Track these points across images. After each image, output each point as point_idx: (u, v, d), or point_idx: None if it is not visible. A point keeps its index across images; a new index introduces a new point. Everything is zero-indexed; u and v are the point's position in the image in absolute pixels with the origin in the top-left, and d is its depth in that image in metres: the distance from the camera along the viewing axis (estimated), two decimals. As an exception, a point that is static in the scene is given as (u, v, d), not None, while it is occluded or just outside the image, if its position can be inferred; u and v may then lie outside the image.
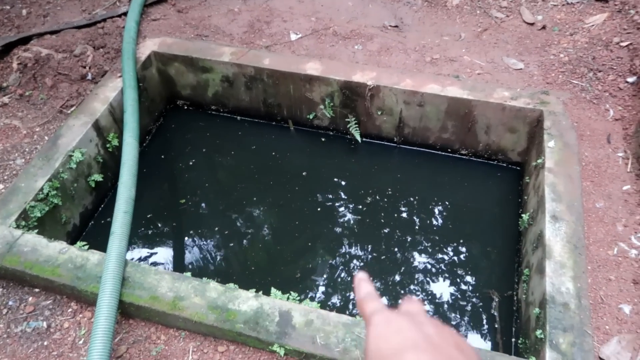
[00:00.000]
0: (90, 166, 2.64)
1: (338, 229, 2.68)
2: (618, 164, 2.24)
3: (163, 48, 3.02)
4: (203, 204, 2.83)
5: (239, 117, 3.22)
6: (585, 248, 1.94)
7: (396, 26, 3.11)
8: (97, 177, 2.65)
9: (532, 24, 2.99)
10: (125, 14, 3.27)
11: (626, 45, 2.67)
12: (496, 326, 2.22)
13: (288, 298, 1.96)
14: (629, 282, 1.84)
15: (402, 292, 2.46)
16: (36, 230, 2.24)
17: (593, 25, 2.85)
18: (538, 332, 1.81)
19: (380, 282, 2.48)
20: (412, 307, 0.55)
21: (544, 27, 2.95)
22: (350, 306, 2.37)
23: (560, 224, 2.01)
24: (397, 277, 2.49)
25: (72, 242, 2.60)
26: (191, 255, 2.60)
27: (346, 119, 2.93)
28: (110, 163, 2.79)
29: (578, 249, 1.94)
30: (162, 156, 3.05)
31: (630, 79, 2.53)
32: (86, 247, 2.23)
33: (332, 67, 2.82)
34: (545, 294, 1.83)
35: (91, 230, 2.70)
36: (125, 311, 1.97)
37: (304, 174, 2.92)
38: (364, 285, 0.60)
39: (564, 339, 1.70)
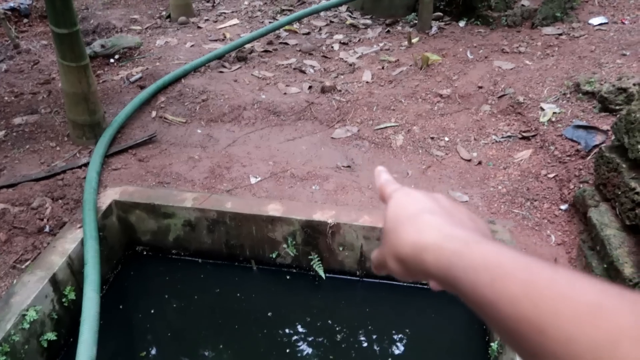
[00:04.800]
0: (44, 324, 2.49)
1: (309, 372, 2.59)
2: (569, 286, 2.39)
3: (124, 196, 3.07)
4: (165, 356, 2.67)
5: (200, 260, 3.21)
6: (557, 374, 1.98)
7: (348, 166, 3.36)
8: (51, 335, 2.49)
9: (469, 160, 3.33)
10: (85, 165, 3.34)
11: (553, 177, 3.01)
12: None
13: None
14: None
15: None
16: (-20, 405, 2.02)
17: (522, 160, 3.22)
18: None
19: None
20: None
21: (480, 163, 3.29)
22: None
23: (529, 352, 2.07)
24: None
25: (17, 414, 2.34)
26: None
27: (309, 257, 2.99)
28: (66, 319, 2.64)
29: (550, 376, 1.98)
30: (121, 306, 2.93)
31: (563, 207, 2.81)
32: (37, 419, 2.02)
33: (293, 208, 2.96)
34: None
35: (39, 397, 2.46)
36: None
37: (269, 314, 2.88)
38: (383, 174, 0.65)
39: None
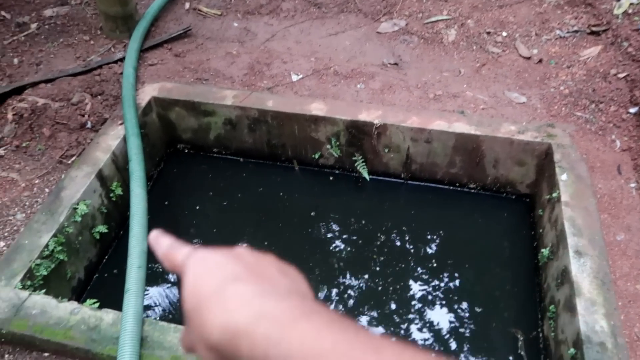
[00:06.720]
0: (95, 218, 2.55)
1: (353, 269, 2.62)
2: (632, 195, 2.26)
3: (163, 93, 2.98)
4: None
5: (241, 159, 3.18)
6: (613, 283, 1.93)
7: (395, 64, 3.14)
8: (102, 228, 2.56)
9: (528, 58, 3.06)
10: (121, 59, 3.22)
11: (624, 77, 2.74)
12: (525, 366, 2.18)
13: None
14: (661, 316, 1.83)
15: (419, 331, 2.41)
16: (43, 290, 2.13)
17: (589, 57, 2.93)
18: (576, 373, 1.77)
19: (394, 322, 2.42)
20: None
21: (540, 61, 3.01)
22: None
23: (585, 259, 2.01)
24: (412, 316, 2.44)
25: (77, 298, 2.49)
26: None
27: (353, 158, 2.91)
28: (114, 213, 2.70)
29: (606, 285, 1.92)
30: (166, 202, 2.98)
31: (632, 110, 2.58)
32: (96, 305, 2.13)
33: (337, 107, 2.82)
34: (579, 333, 1.80)
35: (95, 284, 2.59)
36: (146, 374, 1.86)
37: (312, 214, 2.87)
38: (162, 240, 0.51)
39: (606, 380, 1.67)
